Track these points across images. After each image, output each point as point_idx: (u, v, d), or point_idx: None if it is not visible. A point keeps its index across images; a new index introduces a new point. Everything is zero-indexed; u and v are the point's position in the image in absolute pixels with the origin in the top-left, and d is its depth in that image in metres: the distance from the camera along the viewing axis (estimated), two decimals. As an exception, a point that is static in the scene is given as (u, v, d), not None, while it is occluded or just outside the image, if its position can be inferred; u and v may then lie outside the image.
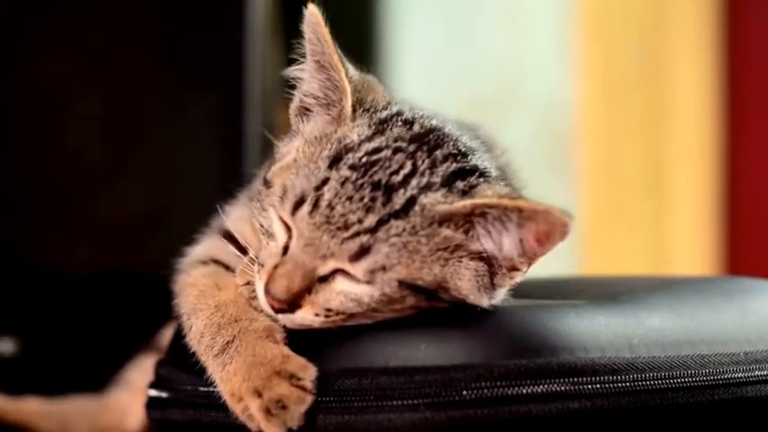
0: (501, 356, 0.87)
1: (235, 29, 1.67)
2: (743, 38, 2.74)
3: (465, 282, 0.90)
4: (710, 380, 0.93)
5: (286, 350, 0.90)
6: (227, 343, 0.91)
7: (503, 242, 0.90)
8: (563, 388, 0.87)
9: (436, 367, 0.87)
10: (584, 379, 0.88)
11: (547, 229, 0.88)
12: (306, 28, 0.95)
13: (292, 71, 0.98)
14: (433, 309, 0.91)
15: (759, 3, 2.76)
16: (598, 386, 0.88)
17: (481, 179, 0.92)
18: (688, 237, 2.69)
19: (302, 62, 0.97)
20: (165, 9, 1.70)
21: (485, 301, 0.91)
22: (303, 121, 0.97)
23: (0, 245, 1.67)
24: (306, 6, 0.96)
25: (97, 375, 1.41)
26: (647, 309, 0.96)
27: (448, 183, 0.90)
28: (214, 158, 1.68)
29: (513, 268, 0.91)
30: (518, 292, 1.03)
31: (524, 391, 0.87)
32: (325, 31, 0.94)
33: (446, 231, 0.89)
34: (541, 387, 0.87)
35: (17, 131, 1.68)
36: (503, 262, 0.91)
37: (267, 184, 0.94)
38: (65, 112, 1.67)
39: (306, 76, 0.97)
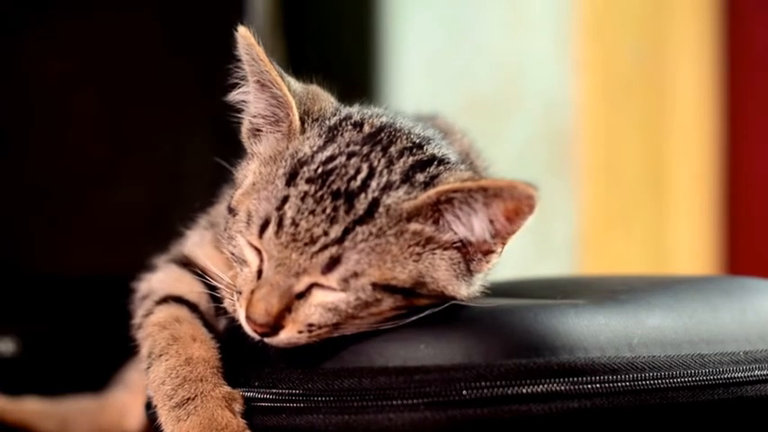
0: (501, 356, 0.88)
1: (235, 29, 1.67)
2: (743, 38, 2.74)
3: (442, 272, 0.90)
4: (710, 379, 0.93)
5: (242, 423, 0.90)
6: (188, 399, 0.91)
7: (473, 225, 0.90)
8: (563, 387, 0.87)
9: (436, 367, 0.87)
10: (584, 378, 0.88)
11: (514, 204, 0.88)
12: (240, 50, 0.95)
13: (235, 96, 0.98)
14: (422, 309, 0.90)
15: (759, 3, 2.76)
16: (598, 386, 0.88)
17: (441, 167, 0.92)
18: (688, 237, 2.69)
19: (243, 85, 0.97)
20: (165, 9, 1.70)
21: (463, 290, 0.92)
22: (256, 143, 0.97)
23: (0, 245, 1.67)
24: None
25: (97, 375, 1.41)
26: (646, 308, 0.96)
27: (408, 178, 0.91)
28: (214, 159, 1.68)
29: (489, 251, 0.91)
30: (518, 291, 1.03)
31: (524, 390, 0.87)
32: (260, 50, 0.94)
33: (415, 226, 0.89)
34: (541, 387, 0.87)
35: (17, 131, 1.68)
36: (477, 246, 0.91)
37: (232, 212, 0.94)
38: (65, 111, 1.67)
39: (250, 97, 0.97)
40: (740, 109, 2.75)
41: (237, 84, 0.97)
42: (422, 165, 0.92)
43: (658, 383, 0.90)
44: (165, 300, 1.01)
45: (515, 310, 0.92)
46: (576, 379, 0.88)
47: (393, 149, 0.92)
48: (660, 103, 2.63)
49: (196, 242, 1.05)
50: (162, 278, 1.04)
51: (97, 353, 1.55)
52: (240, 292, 0.91)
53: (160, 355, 0.95)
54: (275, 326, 0.89)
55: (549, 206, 2.38)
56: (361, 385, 0.88)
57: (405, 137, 0.94)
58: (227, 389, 0.92)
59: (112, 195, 1.67)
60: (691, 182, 2.70)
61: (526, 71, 2.38)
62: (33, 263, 1.68)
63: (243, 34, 0.95)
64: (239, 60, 0.96)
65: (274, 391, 0.91)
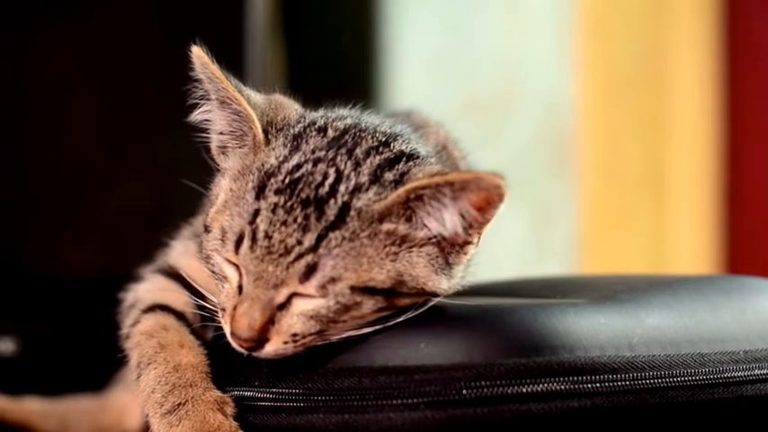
0: (501, 355, 0.88)
1: (235, 29, 1.67)
2: (743, 37, 2.74)
3: (420, 269, 0.90)
4: (710, 378, 0.93)
5: (234, 425, 0.90)
6: (179, 405, 0.91)
7: (445, 219, 0.90)
8: (563, 387, 0.87)
9: (436, 366, 0.87)
10: (584, 378, 0.88)
11: (483, 195, 0.88)
12: (197, 70, 0.95)
13: (197, 116, 0.98)
14: (408, 309, 0.90)
15: (759, 2, 2.76)
16: (598, 385, 0.88)
17: (410, 163, 0.92)
18: (688, 237, 2.69)
19: (204, 104, 0.97)
20: (165, 9, 1.70)
21: (444, 284, 0.92)
22: (225, 160, 0.97)
23: (0, 245, 1.67)
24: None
25: (97, 375, 1.40)
26: (646, 307, 0.96)
27: (376, 178, 0.90)
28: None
29: (465, 242, 0.91)
30: (518, 291, 1.03)
31: (524, 389, 0.87)
32: (215, 68, 0.94)
33: (388, 226, 0.89)
34: (541, 386, 0.87)
35: (17, 131, 1.68)
36: (452, 239, 0.91)
37: (207, 229, 0.94)
38: (65, 112, 1.67)
39: (212, 116, 0.97)
40: (740, 109, 2.75)
41: (198, 104, 0.97)
42: (390, 163, 0.92)
43: (658, 383, 0.90)
44: (152, 308, 1.01)
45: (515, 309, 0.92)
46: (575, 378, 0.88)
47: (359, 151, 0.92)
48: (660, 103, 2.63)
49: (181, 252, 1.05)
50: (148, 288, 1.04)
51: (97, 353, 1.55)
52: (224, 309, 0.91)
53: (148, 364, 0.95)
54: (260, 339, 0.89)
55: (549, 206, 2.38)
56: (361, 385, 0.88)
57: (370, 136, 0.94)
58: (218, 393, 0.92)
59: (112, 195, 1.67)
60: (691, 182, 2.70)
61: (526, 71, 2.38)
62: (33, 263, 1.68)
63: (197, 54, 0.95)
64: (197, 81, 0.96)
65: (274, 390, 0.91)
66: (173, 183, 1.68)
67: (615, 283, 1.07)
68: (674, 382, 0.91)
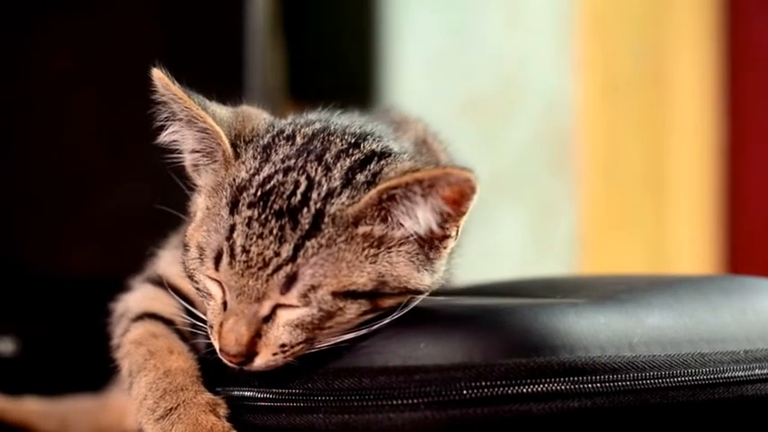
0: (501, 355, 0.87)
1: (235, 29, 1.67)
2: (743, 37, 2.74)
3: (401, 268, 0.90)
4: (710, 378, 0.93)
5: (227, 426, 0.91)
6: (171, 409, 0.91)
7: (418, 217, 0.89)
8: (563, 387, 0.87)
9: (436, 366, 0.87)
10: (585, 378, 0.88)
11: (455, 189, 0.88)
12: (159, 92, 0.95)
13: (165, 137, 0.97)
14: (394, 310, 0.90)
15: (759, 2, 2.76)
16: (598, 385, 0.88)
17: (382, 162, 0.92)
18: (688, 237, 2.69)
19: (171, 125, 0.97)
20: (165, 9, 1.70)
21: (426, 280, 0.91)
22: (199, 177, 0.97)
23: (0, 245, 1.67)
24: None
25: (97, 375, 1.40)
26: (646, 307, 0.96)
27: (348, 181, 0.90)
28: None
29: (443, 237, 0.91)
30: (518, 291, 1.03)
31: (524, 390, 0.87)
32: (176, 88, 0.94)
33: (364, 229, 0.89)
34: (541, 386, 0.87)
35: (17, 131, 1.68)
36: (428, 235, 0.90)
37: (185, 247, 0.94)
38: (65, 112, 1.67)
39: (181, 136, 0.97)
40: (740, 108, 2.75)
41: (164, 125, 0.97)
42: (361, 164, 0.91)
43: (659, 383, 0.90)
44: (141, 317, 1.01)
45: (515, 309, 0.92)
46: (576, 378, 0.88)
47: (328, 155, 0.92)
48: (660, 103, 2.63)
49: (169, 261, 1.05)
50: (137, 297, 1.04)
51: (97, 353, 1.55)
52: (212, 326, 0.92)
53: (139, 372, 0.95)
54: (249, 354, 0.89)
55: (549, 206, 2.38)
56: (361, 385, 0.88)
57: (339, 139, 0.94)
58: (209, 395, 0.92)
59: (112, 195, 1.67)
60: (691, 182, 2.70)
61: (526, 71, 2.38)
62: (33, 263, 1.68)
63: (158, 76, 0.94)
64: (160, 103, 0.95)
65: (274, 390, 0.91)
66: (173, 183, 1.68)
67: (615, 283, 1.07)
68: (674, 382, 0.91)
